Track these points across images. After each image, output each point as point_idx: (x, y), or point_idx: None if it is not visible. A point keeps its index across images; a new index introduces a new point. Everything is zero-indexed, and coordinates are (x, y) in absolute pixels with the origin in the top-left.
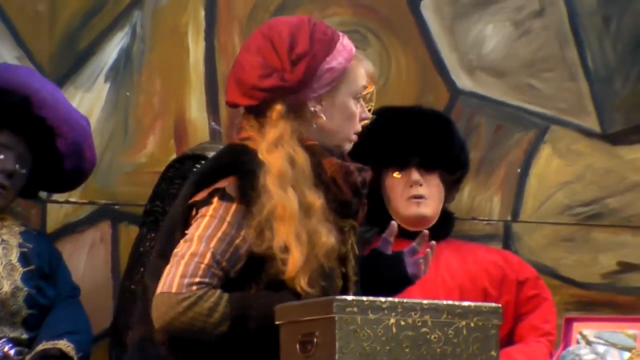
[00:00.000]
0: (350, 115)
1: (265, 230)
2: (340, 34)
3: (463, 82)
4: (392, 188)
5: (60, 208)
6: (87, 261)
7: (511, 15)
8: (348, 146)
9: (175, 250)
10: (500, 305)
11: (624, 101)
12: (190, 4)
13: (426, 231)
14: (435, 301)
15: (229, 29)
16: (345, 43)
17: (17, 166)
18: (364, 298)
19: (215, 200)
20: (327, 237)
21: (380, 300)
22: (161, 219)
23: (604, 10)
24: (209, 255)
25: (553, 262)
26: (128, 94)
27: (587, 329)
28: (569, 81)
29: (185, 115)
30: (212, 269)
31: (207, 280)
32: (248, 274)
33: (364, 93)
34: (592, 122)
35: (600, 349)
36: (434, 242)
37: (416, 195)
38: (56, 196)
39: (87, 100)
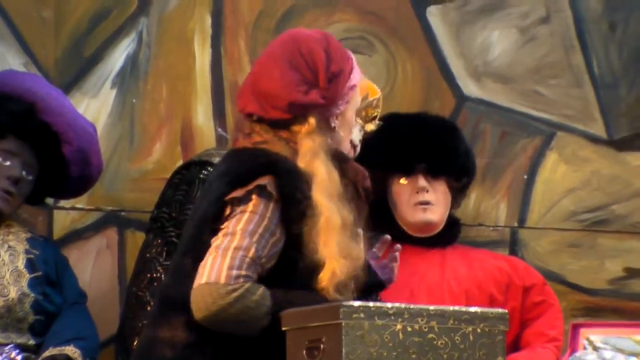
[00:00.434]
0: (351, 129)
1: (305, 237)
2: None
3: (469, 88)
4: (398, 194)
5: (67, 214)
6: (94, 267)
7: (517, 21)
8: None
9: (216, 244)
10: (506, 311)
11: (630, 107)
12: (196, 11)
13: (387, 236)
14: (442, 307)
15: (235, 35)
16: (354, 59)
17: (23, 173)
18: (371, 304)
19: (254, 197)
20: (361, 251)
21: (386, 306)
22: (167, 225)
23: (610, 17)
24: (253, 249)
25: (559, 268)
26: (134, 100)
27: (594, 335)
28: (574, 87)
29: (192, 122)
30: (255, 264)
31: (250, 274)
32: (277, 275)
33: (370, 99)
34: (598, 128)
35: (607, 354)
36: (398, 246)
37: (423, 201)
38: (63, 203)
39: (93, 106)
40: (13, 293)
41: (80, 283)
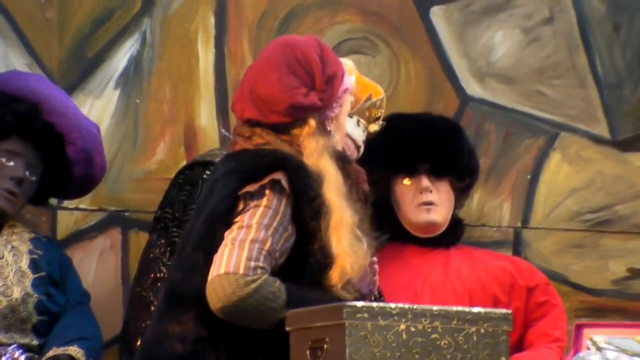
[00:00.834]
0: (344, 134)
1: (317, 234)
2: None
3: (472, 88)
4: (402, 195)
5: (71, 215)
6: (97, 268)
7: (521, 22)
8: None
9: (231, 236)
10: (510, 311)
11: (634, 107)
12: (199, 11)
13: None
14: (445, 307)
15: (238, 35)
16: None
17: (26, 173)
18: (374, 304)
19: (268, 192)
20: (367, 251)
21: (390, 306)
22: (171, 225)
23: (614, 17)
24: (269, 242)
25: (563, 269)
26: (138, 101)
27: (598, 335)
28: (578, 88)
29: (195, 122)
30: (271, 257)
31: (266, 266)
32: (288, 270)
33: (374, 100)
34: (601, 129)
35: (611, 355)
36: (375, 259)
37: (426, 201)
38: (66, 203)
39: (97, 107)
40: (17, 293)
41: (84, 283)
